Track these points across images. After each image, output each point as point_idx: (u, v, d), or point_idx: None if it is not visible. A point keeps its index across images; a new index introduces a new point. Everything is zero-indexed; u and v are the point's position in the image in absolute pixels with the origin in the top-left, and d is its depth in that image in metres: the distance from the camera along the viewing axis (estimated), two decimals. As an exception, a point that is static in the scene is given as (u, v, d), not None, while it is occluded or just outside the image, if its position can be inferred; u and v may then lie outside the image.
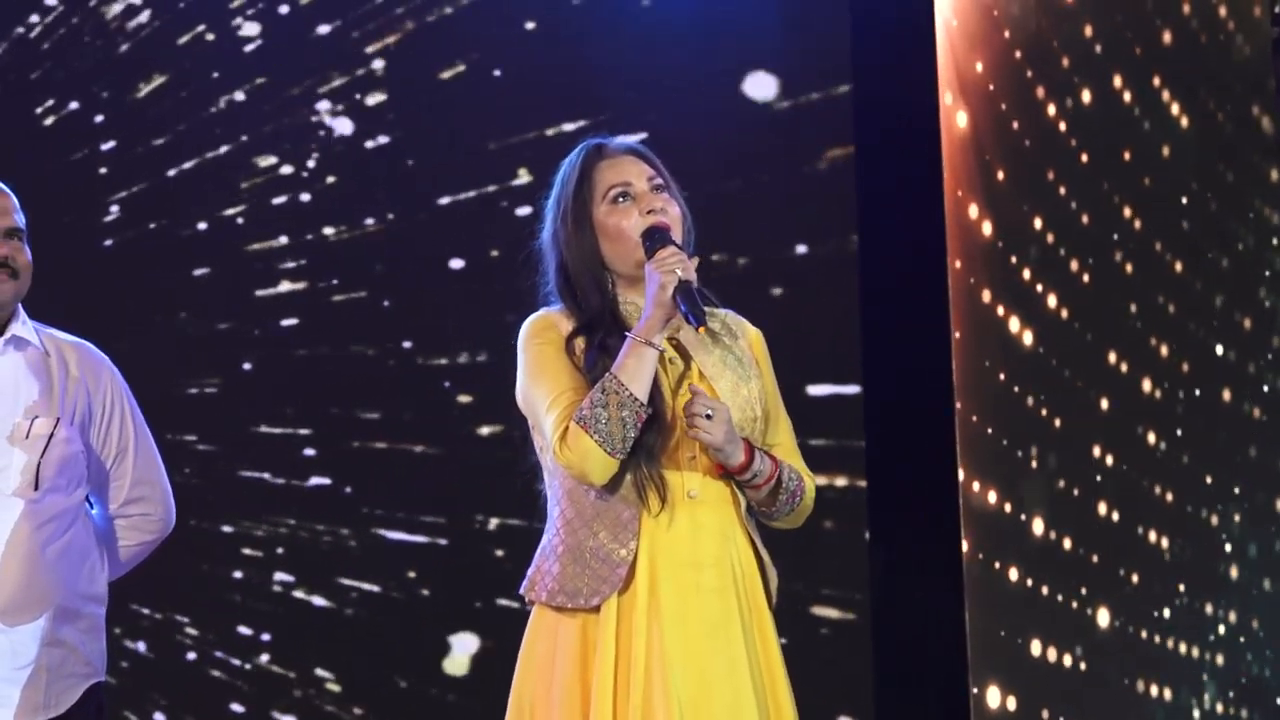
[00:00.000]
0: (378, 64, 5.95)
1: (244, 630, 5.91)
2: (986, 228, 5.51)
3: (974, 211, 5.45)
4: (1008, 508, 5.53)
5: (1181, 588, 6.53)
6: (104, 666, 3.78)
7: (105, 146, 6.14)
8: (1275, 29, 6.95)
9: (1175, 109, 6.74)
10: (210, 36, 6.08)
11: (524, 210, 5.43)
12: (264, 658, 5.89)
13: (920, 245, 5.29)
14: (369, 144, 5.94)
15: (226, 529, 5.93)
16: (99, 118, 6.14)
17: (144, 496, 3.85)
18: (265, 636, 5.89)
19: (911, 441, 5.30)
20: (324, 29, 6.00)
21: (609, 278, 3.36)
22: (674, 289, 3.19)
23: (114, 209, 6.10)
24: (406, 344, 5.86)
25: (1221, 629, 6.78)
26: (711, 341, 3.36)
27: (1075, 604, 5.82)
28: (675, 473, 3.27)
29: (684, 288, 3.18)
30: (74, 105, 6.15)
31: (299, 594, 5.89)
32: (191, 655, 5.93)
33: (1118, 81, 6.39)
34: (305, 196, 5.96)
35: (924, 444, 5.29)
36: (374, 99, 5.95)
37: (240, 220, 6.01)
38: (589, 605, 3.21)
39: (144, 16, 6.13)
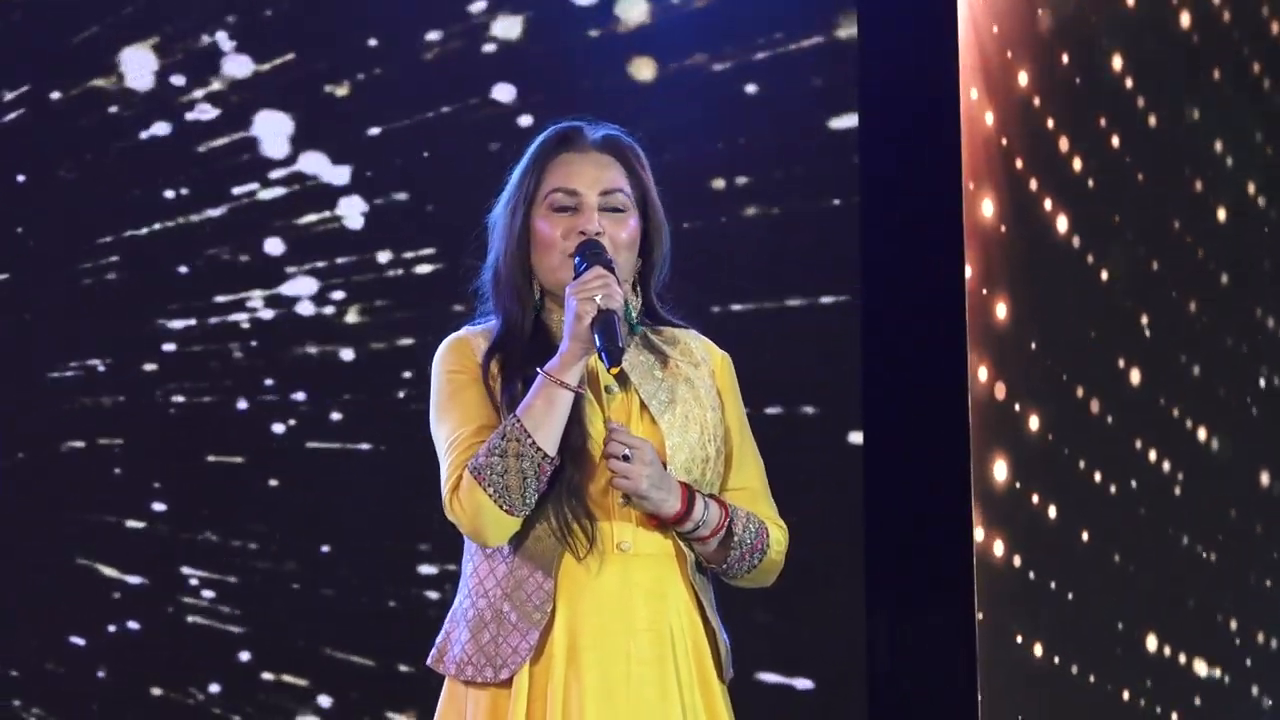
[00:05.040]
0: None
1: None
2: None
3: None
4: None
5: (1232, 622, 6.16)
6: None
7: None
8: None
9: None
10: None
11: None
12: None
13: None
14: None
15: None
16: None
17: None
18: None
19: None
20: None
21: (534, 289, 2.99)
22: (591, 319, 2.81)
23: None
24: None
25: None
26: (661, 367, 2.99)
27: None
28: (605, 522, 2.89)
29: (604, 319, 2.80)
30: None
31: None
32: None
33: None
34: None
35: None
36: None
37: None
38: (498, 679, 2.85)
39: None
